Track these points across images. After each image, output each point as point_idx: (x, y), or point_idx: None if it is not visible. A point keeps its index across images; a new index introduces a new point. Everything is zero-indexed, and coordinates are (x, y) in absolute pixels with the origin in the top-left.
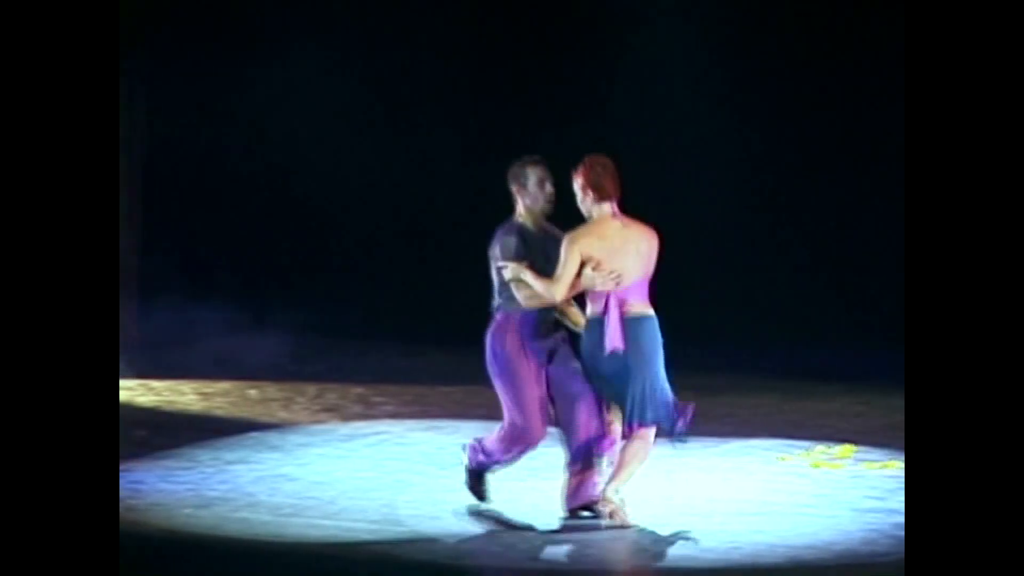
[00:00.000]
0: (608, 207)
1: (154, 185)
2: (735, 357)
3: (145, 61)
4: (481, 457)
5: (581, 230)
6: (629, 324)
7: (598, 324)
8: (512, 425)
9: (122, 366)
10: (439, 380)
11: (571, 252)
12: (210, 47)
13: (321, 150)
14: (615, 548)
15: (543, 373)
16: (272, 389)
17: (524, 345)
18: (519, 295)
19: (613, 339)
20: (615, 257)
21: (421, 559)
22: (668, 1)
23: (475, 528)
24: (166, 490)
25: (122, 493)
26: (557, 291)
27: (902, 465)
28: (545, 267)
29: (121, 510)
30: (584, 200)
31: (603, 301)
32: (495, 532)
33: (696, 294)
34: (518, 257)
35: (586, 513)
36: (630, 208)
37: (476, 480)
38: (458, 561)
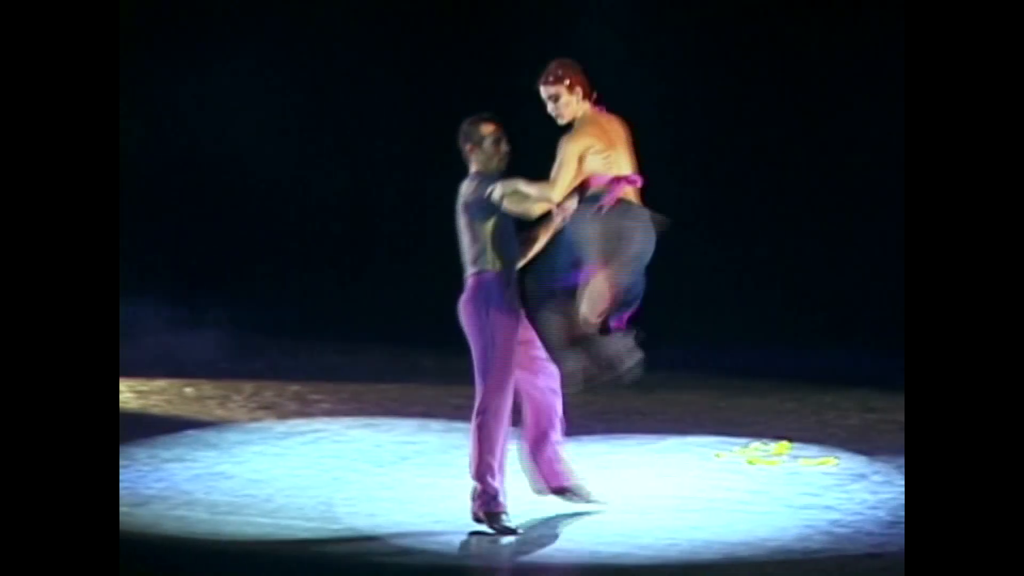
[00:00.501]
0: (590, 104)
1: None
2: (672, 355)
3: None
4: (491, 499)
5: (577, 130)
6: (623, 206)
7: (593, 198)
8: (489, 394)
9: None
10: (375, 378)
11: (570, 151)
12: (143, 51)
13: (257, 152)
14: (553, 544)
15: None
16: (208, 387)
17: (504, 304)
18: (515, 207)
19: (610, 199)
20: (616, 148)
21: (358, 557)
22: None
23: (412, 526)
24: None
25: None
26: (556, 191)
27: (837, 462)
28: (504, 222)
29: None
30: (569, 103)
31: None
32: (431, 530)
33: None
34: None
35: (554, 497)
36: None
37: (495, 519)
38: (395, 558)
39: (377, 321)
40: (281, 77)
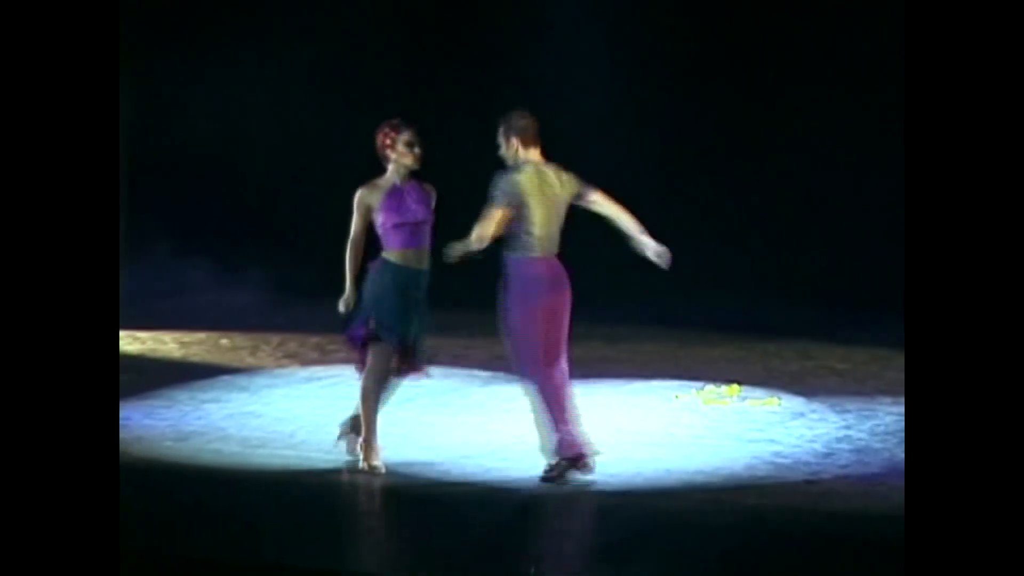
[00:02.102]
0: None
1: (140, 174)
2: (637, 310)
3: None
4: (564, 447)
5: None
6: None
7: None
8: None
9: None
10: None
11: None
12: (184, 47)
13: (278, 137)
14: (534, 474)
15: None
16: (241, 338)
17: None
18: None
19: None
20: None
21: (368, 484)
22: None
23: (414, 457)
24: (149, 425)
25: None
26: None
27: (781, 402)
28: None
29: None
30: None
31: None
32: (431, 461)
33: (601, 254)
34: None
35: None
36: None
37: (568, 467)
38: (399, 484)
39: None
40: (290, 75)
